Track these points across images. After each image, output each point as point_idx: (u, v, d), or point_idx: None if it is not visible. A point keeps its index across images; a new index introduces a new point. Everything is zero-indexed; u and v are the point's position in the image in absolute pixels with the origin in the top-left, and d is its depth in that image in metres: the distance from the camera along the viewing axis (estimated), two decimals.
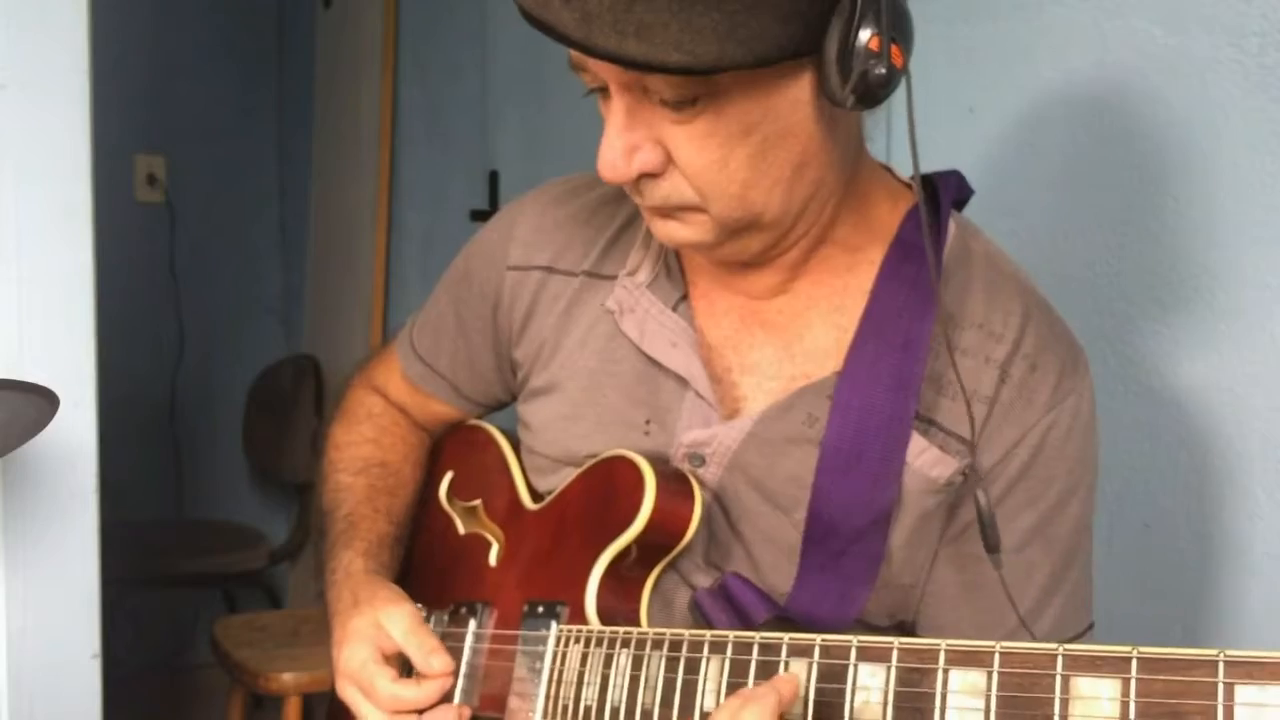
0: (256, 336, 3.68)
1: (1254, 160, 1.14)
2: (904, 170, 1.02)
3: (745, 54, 0.78)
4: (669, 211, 0.89)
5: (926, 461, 0.93)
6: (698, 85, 0.81)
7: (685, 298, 1.00)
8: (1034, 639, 0.93)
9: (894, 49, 0.81)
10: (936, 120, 1.04)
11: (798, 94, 0.84)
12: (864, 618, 0.95)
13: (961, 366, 0.92)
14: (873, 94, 0.82)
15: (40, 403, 1.13)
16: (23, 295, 1.40)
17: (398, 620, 1.03)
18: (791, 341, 0.97)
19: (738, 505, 0.96)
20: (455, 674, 1.03)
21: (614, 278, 1.03)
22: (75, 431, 1.42)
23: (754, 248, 0.93)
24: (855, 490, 0.91)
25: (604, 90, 0.86)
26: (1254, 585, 1.16)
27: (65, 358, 1.42)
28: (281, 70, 3.73)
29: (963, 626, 0.96)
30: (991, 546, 0.87)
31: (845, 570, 0.92)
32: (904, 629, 1.00)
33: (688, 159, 0.85)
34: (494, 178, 2.69)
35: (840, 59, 0.81)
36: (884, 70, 0.80)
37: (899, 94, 0.83)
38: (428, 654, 1.01)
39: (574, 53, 0.84)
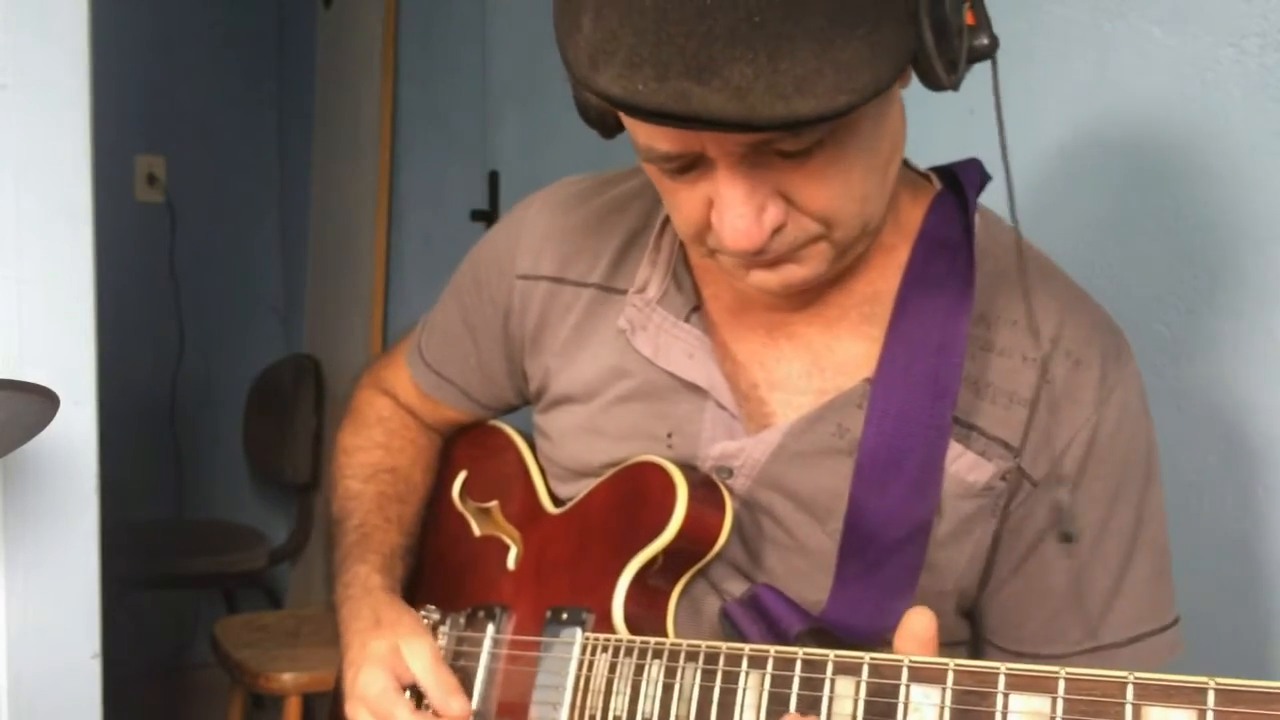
0: (256, 336, 3.69)
1: (1254, 160, 1.13)
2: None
3: (889, 68, 0.73)
4: (784, 257, 0.83)
5: (962, 466, 0.89)
6: (829, 125, 0.74)
7: (698, 308, 0.97)
8: (1101, 638, 0.93)
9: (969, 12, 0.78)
10: (936, 120, 1.04)
11: (893, 92, 0.82)
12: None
13: (998, 366, 0.90)
14: (967, 69, 0.79)
15: (40, 403, 1.12)
16: (23, 295, 1.40)
17: (419, 653, 1.01)
18: (821, 355, 0.94)
19: (769, 515, 0.94)
20: (472, 717, 1.01)
21: (624, 292, 1.01)
22: (75, 431, 1.42)
23: (849, 261, 0.89)
24: (894, 501, 0.88)
25: (688, 163, 0.79)
26: (1255, 585, 1.16)
27: (65, 358, 1.42)
28: (281, 71, 3.73)
29: (1030, 626, 0.93)
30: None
31: (883, 581, 0.89)
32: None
33: (811, 197, 0.79)
34: (494, 178, 2.70)
35: (940, 42, 0.75)
36: (987, 40, 0.78)
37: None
38: (447, 694, 0.99)
39: (661, 136, 0.77)
